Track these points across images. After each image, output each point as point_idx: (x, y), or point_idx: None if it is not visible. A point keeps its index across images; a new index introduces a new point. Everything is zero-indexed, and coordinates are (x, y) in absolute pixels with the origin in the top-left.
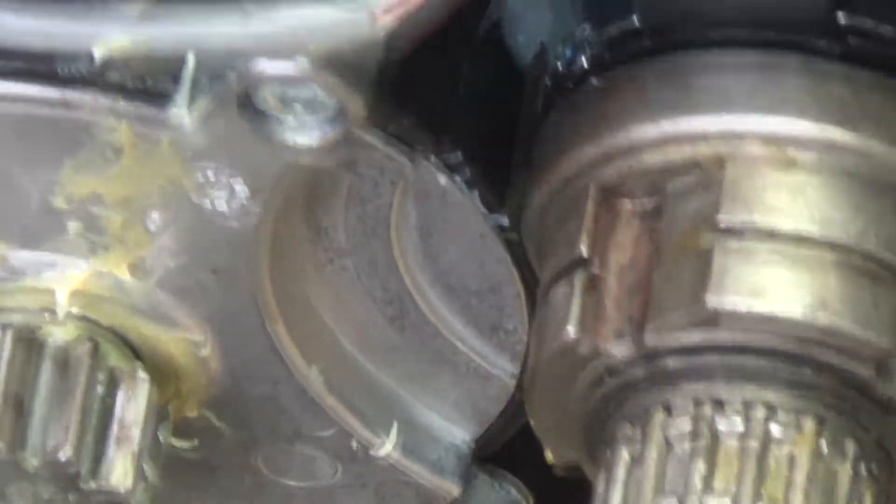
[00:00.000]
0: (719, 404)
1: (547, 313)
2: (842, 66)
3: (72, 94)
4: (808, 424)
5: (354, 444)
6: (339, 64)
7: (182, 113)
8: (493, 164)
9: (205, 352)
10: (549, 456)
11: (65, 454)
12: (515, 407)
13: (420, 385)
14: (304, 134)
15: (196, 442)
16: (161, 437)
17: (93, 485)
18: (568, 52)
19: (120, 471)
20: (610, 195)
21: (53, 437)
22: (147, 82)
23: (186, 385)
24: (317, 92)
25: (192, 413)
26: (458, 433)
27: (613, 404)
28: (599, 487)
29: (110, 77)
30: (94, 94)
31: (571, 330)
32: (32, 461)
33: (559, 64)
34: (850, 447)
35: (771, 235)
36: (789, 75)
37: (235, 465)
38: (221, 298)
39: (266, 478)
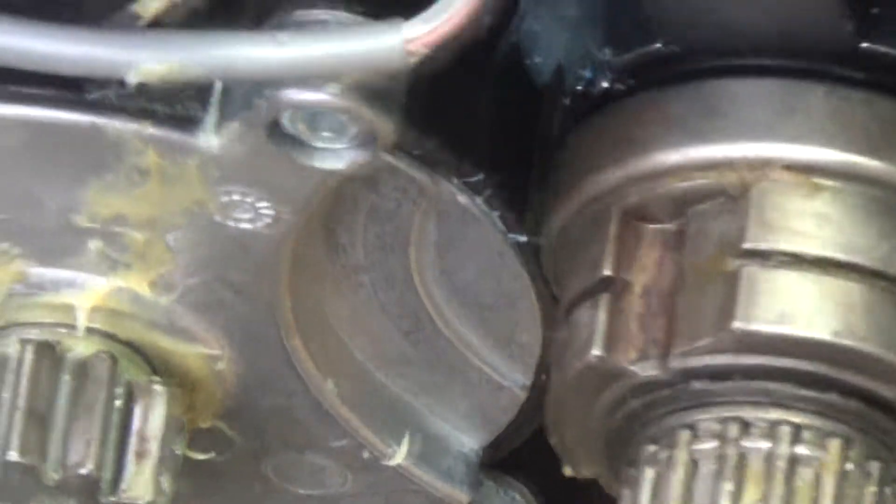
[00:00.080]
0: (745, 425)
1: (570, 333)
2: (866, 94)
3: (101, 120)
4: (834, 446)
5: (366, 454)
6: (369, 91)
7: (210, 138)
8: (513, 184)
9: (221, 365)
10: (567, 471)
11: (86, 468)
12: (525, 416)
13: (432, 396)
14: (332, 158)
15: (210, 453)
16: (177, 450)
17: (113, 499)
18: (587, 74)
19: (140, 484)
20: (632, 217)
21: (74, 451)
22: (176, 107)
23: (201, 397)
24: (346, 118)
25: (205, 424)
26: (467, 441)
27: (637, 424)
28: None
29: (139, 102)
30: (123, 120)
31: (597, 350)
32: (53, 475)
33: (578, 85)
34: (876, 468)
35: (797, 260)
36: (814, 103)
37: (244, 472)
38: (240, 314)
39: (275, 485)
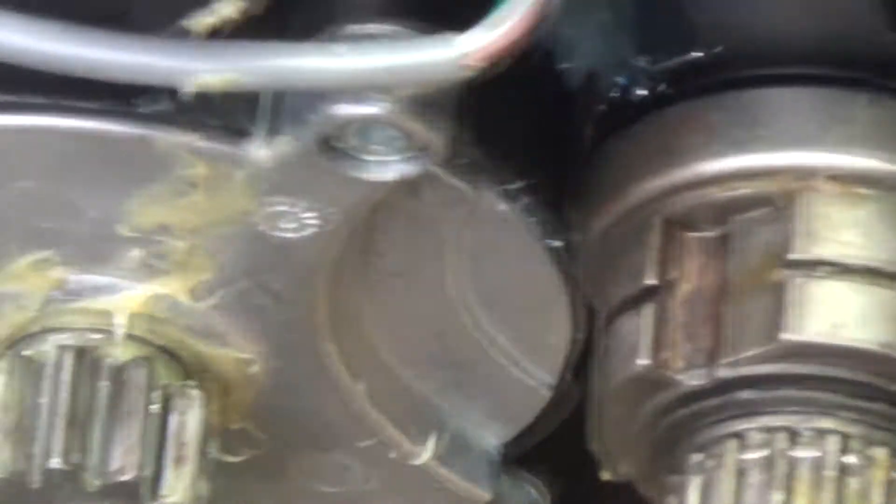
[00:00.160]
0: (793, 434)
1: (613, 341)
2: None
3: (151, 132)
4: (882, 454)
5: (392, 454)
6: (421, 104)
7: (260, 150)
8: (550, 190)
9: (254, 368)
10: (604, 475)
11: (128, 475)
12: (548, 414)
13: (458, 395)
14: (383, 171)
15: (239, 455)
16: (211, 453)
17: None
18: (622, 81)
19: (179, 489)
20: (674, 226)
21: (115, 457)
22: (226, 119)
23: (233, 400)
24: (397, 132)
25: (235, 426)
26: (489, 439)
27: (683, 432)
28: None
29: (190, 115)
30: (174, 132)
31: (643, 360)
32: (94, 482)
33: (613, 92)
34: None
35: (843, 270)
36: (857, 112)
37: (268, 471)
38: (277, 319)
39: (297, 483)
